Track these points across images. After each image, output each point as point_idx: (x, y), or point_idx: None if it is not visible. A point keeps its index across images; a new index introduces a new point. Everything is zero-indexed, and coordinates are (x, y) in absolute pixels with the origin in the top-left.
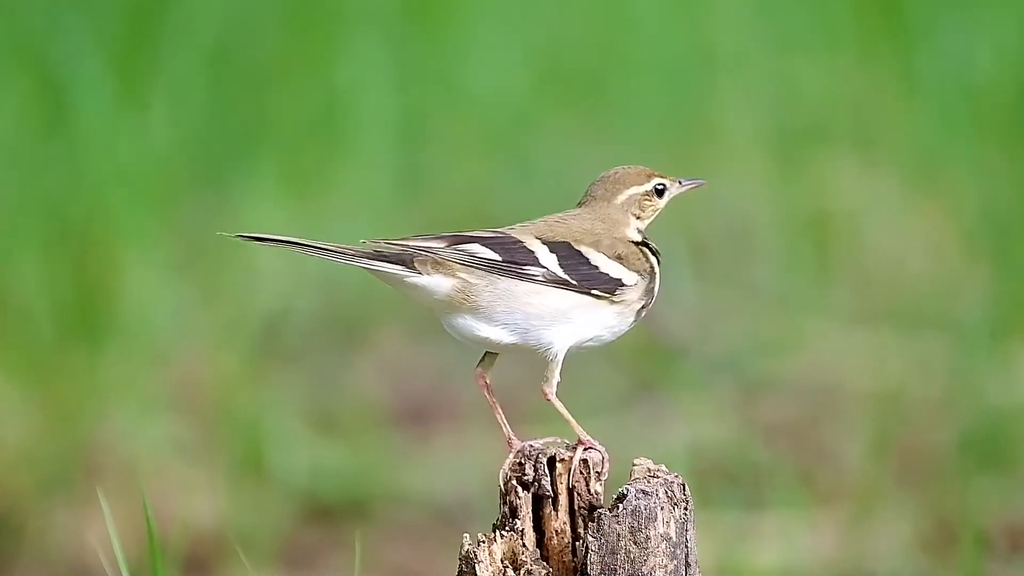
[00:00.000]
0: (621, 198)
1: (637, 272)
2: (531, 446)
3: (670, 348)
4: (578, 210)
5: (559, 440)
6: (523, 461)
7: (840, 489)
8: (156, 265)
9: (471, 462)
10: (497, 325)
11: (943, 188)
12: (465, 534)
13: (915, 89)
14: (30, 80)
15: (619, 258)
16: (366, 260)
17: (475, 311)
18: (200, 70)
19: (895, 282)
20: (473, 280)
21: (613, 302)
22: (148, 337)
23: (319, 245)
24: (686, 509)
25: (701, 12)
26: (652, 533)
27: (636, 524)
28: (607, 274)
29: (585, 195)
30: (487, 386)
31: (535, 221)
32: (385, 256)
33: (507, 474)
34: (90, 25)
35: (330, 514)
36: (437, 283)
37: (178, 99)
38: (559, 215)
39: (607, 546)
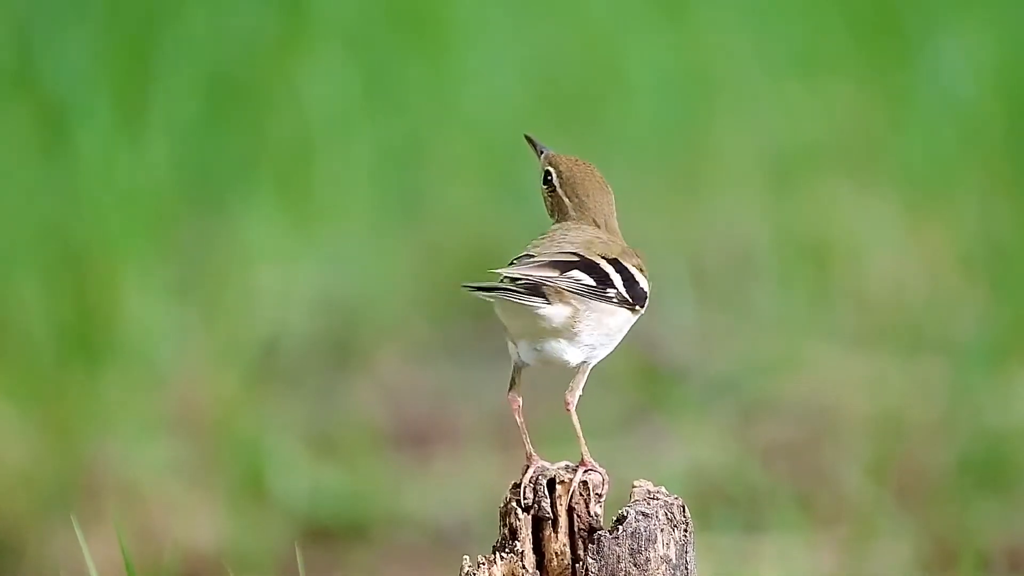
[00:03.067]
0: (614, 215)
1: (648, 282)
2: (546, 467)
3: (669, 370)
4: (587, 218)
5: (571, 466)
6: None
7: (839, 511)
8: (155, 287)
9: (470, 484)
10: (578, 347)
11: (941, 211)
12: (465, 556)
13: (912, 112)
14: (29, 104)
15: (640, 269)
16: (527, 298)
17: (572, 336)
18: (196, 93)
19: (893, 305)
20: (578, 306)
21: (639, 313)
22: (147, 359)
23: (508, 287)
24: (686, 531)
25: (697, 36)
26: (652, 555)
27: (636, 546)
28: (644, 289)
29: (579, 198)
30: (519, 410)
31: (570, 233)
32: (528, 288)
33: (532, 478)
34: (88, 50)
35: (329, 536)
36: (559, 311)
37: (175, 122)
38: (578, 226)
39: (607, 568)
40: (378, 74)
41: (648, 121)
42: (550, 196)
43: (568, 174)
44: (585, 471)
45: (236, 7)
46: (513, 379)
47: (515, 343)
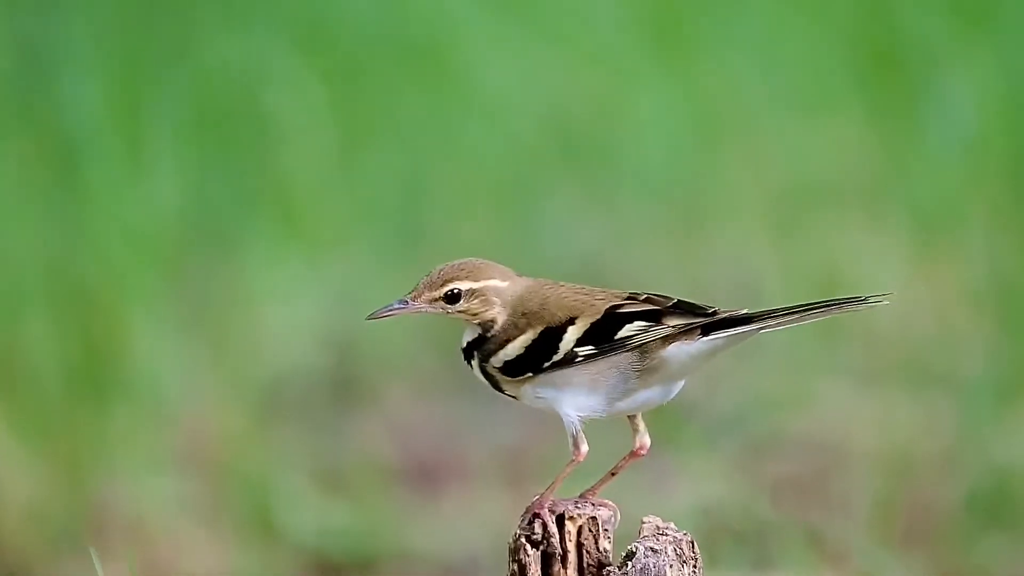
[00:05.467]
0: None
1: None
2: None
3: (677, 406)
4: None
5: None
6: (531, 520)
7: (847, 547)
8: (162, 324)
9: (479, 520)
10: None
11: (948, 248)
12: None
13: (918, 150)
14: (36, 142)
15: None
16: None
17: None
18: (203, 130)
19: (901, 341)
20: None
21: None
22: (155, 396)
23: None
24: (695, 567)
25: (704, 74)
26: None
27: None
28: None
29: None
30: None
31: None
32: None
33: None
34: (95, 85)
35: (338, 572)
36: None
37: (182, 160)
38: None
39: None
40: (383, 107)
41: (655, 157)
42: (471, 308)
43: (473, 279)
44: (595, 507)
45: (242, 44)
46: (579, 436)
47: (600, 399)
